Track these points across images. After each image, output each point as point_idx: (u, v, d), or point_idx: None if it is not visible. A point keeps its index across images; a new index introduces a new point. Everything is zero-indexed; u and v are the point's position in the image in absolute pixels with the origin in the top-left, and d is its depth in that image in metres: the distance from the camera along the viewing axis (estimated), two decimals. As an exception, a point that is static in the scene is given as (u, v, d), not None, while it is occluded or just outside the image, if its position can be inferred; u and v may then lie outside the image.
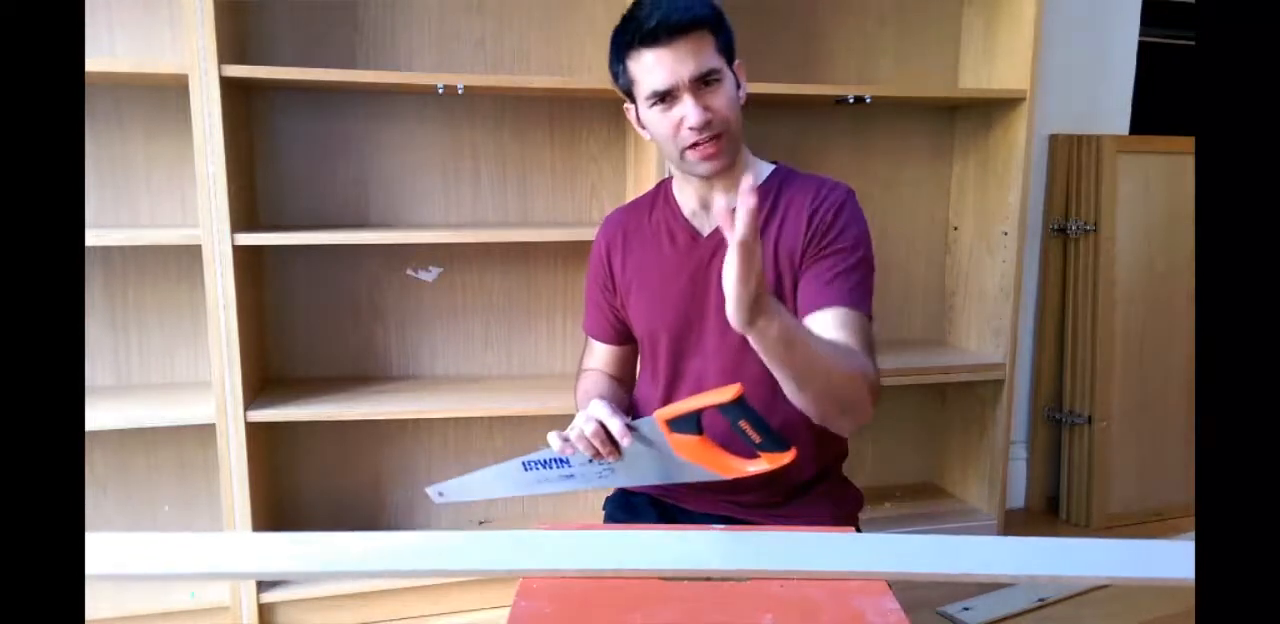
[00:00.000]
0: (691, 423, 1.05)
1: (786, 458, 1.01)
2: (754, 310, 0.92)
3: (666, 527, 1.06)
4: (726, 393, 0.99)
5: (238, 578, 1.89)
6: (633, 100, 1.26)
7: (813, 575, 0.88)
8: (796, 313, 1.22)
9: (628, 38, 1.19)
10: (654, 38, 1.16)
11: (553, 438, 1.09)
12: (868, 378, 1.11)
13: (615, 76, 1.26)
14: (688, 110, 1.17)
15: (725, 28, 1.22)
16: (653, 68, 1.17)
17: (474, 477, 1.15)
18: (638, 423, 1.08)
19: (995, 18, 2.28)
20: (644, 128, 1.27)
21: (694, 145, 1.20)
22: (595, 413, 1.08)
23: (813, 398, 1.06)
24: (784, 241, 1.25)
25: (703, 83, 1.18)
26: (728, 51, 1.22)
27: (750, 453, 1.04)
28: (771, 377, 1.13)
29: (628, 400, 1.40)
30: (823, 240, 1.23)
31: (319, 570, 0.91)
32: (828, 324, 1.18)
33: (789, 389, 1.05)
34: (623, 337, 1.42)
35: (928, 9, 2.38)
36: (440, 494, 1.15)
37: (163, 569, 0.89)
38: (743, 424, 1.00)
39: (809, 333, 1.05)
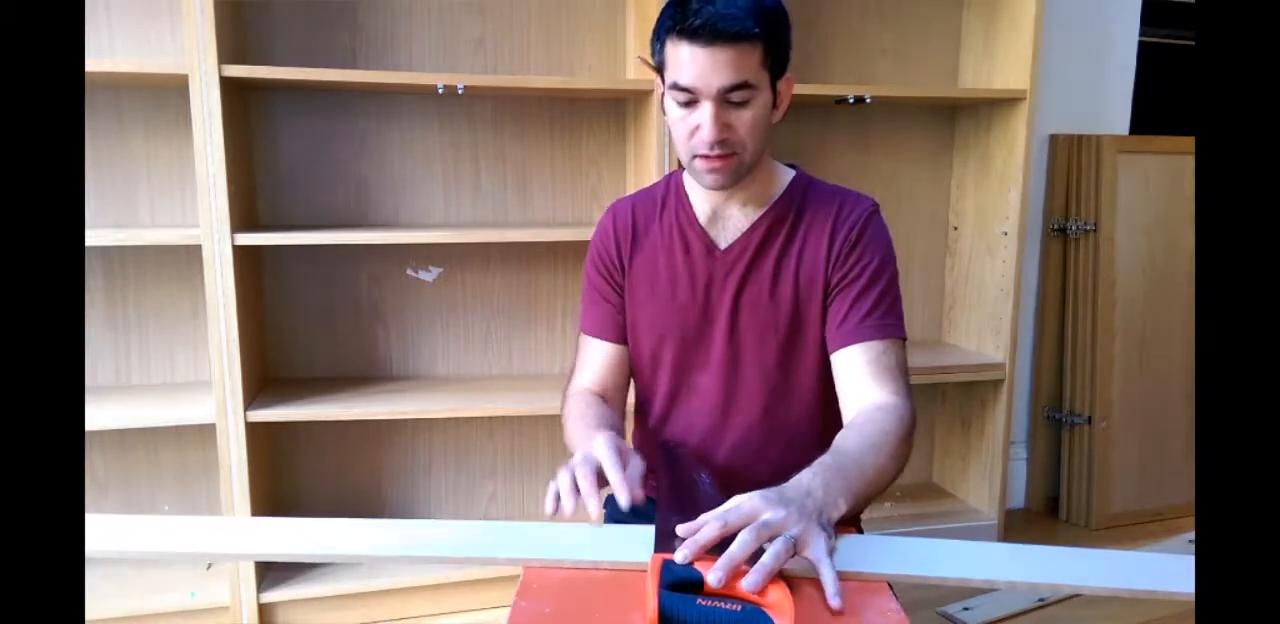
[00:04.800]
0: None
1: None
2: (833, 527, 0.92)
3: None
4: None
5: (245, 559, 1.89)
6: (662, 79, 1.18)
7: (813, 575, 0.88)
8: (825, 344, 1.22)
9: (672, 22, 1.10)
10: (694, 35, 1.08)
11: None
12: (907, 427, 1.11)
13: (652, 50, 1.19)
14: (705, 122, 1.10)
15: (779, 41, 1.13)
16: (685, 63, 1.09)
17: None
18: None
19: (995, 18, 2.28)
20: (665, 112, 1.19)
21: (704, 156, 1.14)
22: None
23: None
24: (805, 265, 1.22)
25: (731, 97, 1.10)
26: (776, 65, 1.14)
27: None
28: (767, 396, 1.22)
29: (621, 425, 1.28)
30: (846, 262, 1.21)
31: (316, 554, 0.91)
32: (857, 362, 1.18)
33: None
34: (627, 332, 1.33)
35: (928, 9, 2.38)
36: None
37: (160, 548, 0.89)
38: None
39: (857, 468, 1.01)
